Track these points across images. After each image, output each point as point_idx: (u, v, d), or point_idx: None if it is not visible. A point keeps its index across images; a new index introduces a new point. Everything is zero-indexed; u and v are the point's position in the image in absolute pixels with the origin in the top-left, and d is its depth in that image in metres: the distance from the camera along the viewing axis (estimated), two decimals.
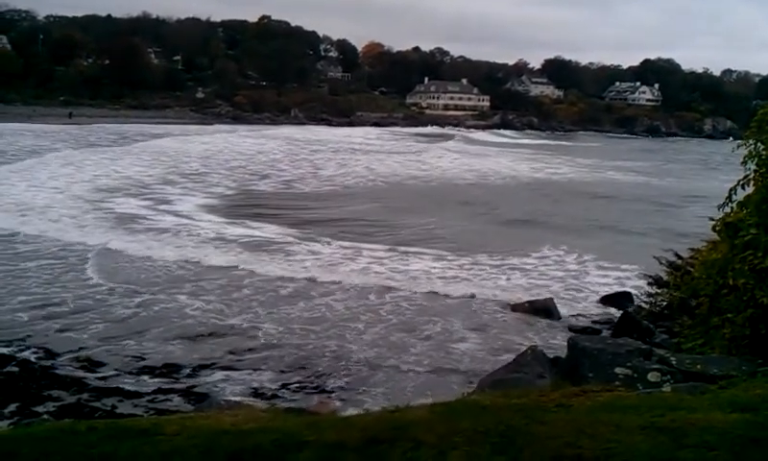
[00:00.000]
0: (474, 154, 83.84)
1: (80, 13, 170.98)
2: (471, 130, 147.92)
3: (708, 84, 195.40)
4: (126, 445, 5.58)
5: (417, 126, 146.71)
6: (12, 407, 12.01)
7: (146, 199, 37.20)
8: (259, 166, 57.51)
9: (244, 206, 37.58)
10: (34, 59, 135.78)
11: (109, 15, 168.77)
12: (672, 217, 39.61)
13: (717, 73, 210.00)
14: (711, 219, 10.52)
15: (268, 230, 29.92)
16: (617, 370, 8.19)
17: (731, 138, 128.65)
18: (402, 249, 26.84)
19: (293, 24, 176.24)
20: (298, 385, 13.79)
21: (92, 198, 35.85)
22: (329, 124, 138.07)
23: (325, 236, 28.80)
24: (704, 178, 65.13)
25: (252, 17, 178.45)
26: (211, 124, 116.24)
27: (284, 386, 13.68)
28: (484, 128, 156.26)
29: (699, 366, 8.17)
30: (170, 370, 14.25)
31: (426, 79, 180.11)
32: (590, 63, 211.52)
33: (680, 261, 17.50)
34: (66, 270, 21.70)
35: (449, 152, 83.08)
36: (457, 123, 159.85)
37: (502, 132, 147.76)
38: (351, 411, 10.14)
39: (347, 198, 43.31)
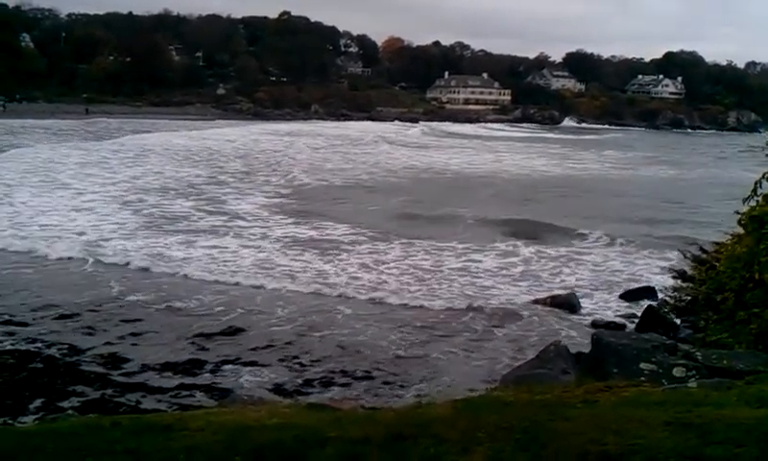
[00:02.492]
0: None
1: (102, 11, 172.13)
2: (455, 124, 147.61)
3: (733, 76, 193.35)
4: (150, 440, 5.61)
5: (437, 121, 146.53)
6: (38, 403, 12.11)
7: (200, 200, 36.77)
8: (301, 163, 58.20)
9: (301, 204, 37.36)
10: (56, 57, 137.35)
11: (131, 13, 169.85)
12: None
13: (741, 65, 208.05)
14: (737, 212, 10.40)
15: (339, 230, 29.56)
16: (642, 365, 8.13)
17: (761, 131, 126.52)
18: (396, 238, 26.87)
19: (313, 20, 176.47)
20: (321, 381, 13.80)
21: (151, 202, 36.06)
22: (349, 119, 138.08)
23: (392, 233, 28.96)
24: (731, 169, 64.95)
25: (273, 14, 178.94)
26: (214, 119, 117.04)
27: (307, 382, 13.70)
28: (504, 121, 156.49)
29: (725, 361, 8.09)
30: (193, 365, 14.32)
31: (447, 73, 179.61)
32: (612, 56, 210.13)
33: (704, 255, 17.30)
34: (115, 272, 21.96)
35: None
36: (477, 118, 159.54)
37: (491, 126, 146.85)
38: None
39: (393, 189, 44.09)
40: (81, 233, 26.78)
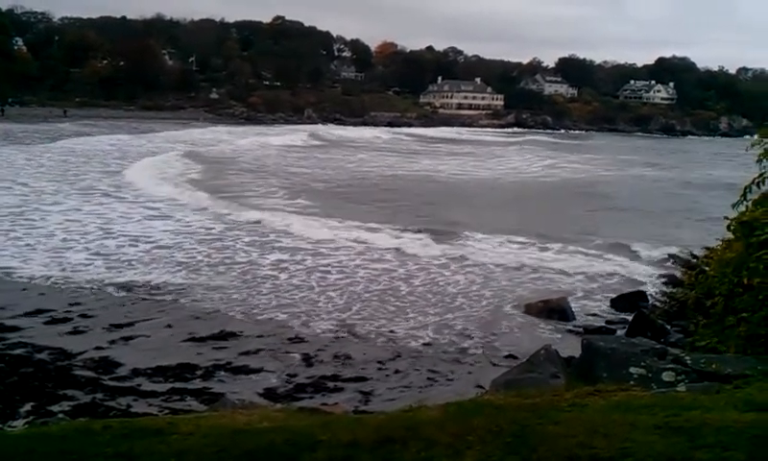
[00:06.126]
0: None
1: (95, 15, 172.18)
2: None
3: (724, 82, 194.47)
4: (141, 443, 5.61)
5: (430, 126, 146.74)
6: (28, 407, 12.09)
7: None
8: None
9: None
10: (49, 60, 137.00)
11: (124, 17, 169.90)
12: None
13: (733, 71, 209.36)
14: (726, 218, 10.44)
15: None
16: (632, 369, 8.14)
17: (747, 137, 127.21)
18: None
19: (306, 24, 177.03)
20: (311, 386, 13.80)
21: None
22: (342, 124, 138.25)
23: None
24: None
25: (266, 18, 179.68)
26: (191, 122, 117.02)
27: (298, 387, 13.70)
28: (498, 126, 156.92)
29: (714, 365, 8.10)
30: (184, 370, 14.29)
31: (440, 78, 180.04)
32: (605, 62, 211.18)
33: (694, 260, 17.41)
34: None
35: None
36: (470, 122, 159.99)
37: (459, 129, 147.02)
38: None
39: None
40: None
